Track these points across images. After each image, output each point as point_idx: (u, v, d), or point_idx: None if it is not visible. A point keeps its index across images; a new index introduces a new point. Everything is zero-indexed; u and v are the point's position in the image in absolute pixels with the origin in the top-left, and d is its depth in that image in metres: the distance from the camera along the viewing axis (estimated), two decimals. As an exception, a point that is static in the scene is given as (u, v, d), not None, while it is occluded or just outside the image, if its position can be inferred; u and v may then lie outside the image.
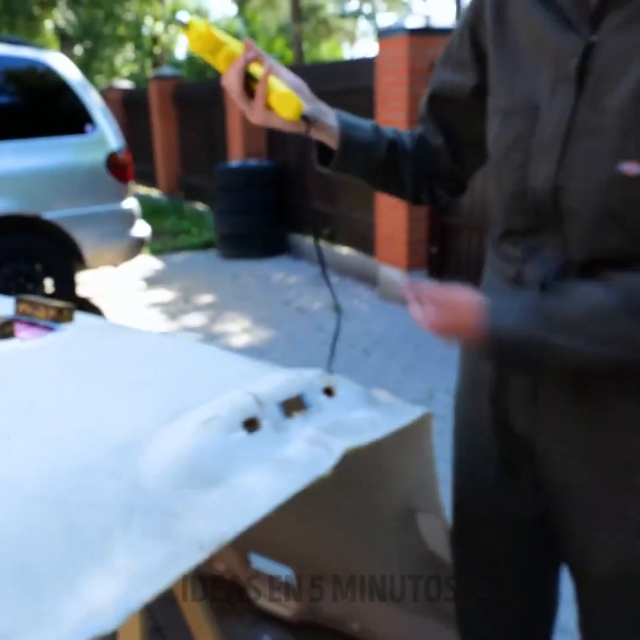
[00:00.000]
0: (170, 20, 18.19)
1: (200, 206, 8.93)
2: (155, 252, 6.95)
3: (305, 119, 0.96)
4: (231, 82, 0.96)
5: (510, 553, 1.08)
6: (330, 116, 1.00)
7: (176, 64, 20.57)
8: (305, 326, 4.63)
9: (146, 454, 0.71)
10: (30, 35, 15.87)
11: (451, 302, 0.86)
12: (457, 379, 1.13)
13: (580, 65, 0.81)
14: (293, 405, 0.81)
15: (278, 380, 0.84)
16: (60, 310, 1.29)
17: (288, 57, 19.43)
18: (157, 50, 18.47)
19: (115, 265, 4.78)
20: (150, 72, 16.89)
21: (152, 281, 5.92)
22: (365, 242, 5.73)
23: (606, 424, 0.89)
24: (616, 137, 0.78)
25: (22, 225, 4.32)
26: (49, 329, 1.27)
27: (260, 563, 1.93)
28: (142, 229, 4.85)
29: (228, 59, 0.96)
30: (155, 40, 18.14)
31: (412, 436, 1.01)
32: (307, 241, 6.55)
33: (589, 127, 0.81)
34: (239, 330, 4.60)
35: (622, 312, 0.78)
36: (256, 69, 0.95)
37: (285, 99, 0.94)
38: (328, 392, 0.88)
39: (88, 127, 4.52)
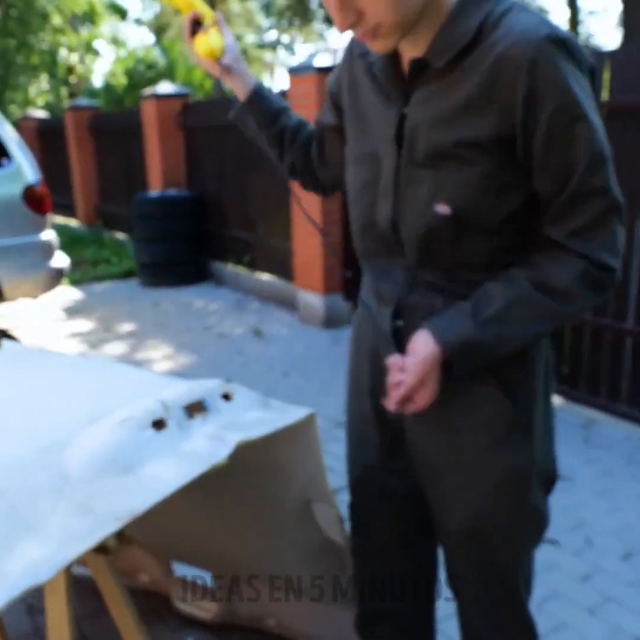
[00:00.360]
0: (87, 49, 18.09)
1: (120, 235, 8.94)
2: (75, 282, 6.94)
3: (220, 63, 1.27)
4: (184, 28, 1.30)
5: (393, 523, 1.27)
6: (248, 77, 1.31)
7: (93, 93, 20.37)
8: (226, 351, 4.77)
9: (71, 449, 0.86)
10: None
11: (411, 354, 1.01)
12: (347, 384, 1.33)
13: (397, 131, 1.05)
14: (195, 408, 0.98)
15: (182, 389, 1.00)
16: (-14, 339, 1.41)
17: (207, 86, 19.60)
18: (73, 79, 18.30)
19: (34, 296, 4.80)
20: (66, 102, 16.70)
21: (72, 311, 5.92)
22: (284, 268, 5.94)
23: (451, 407, 1.10)
24: (430, 186, 1.01)
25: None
26: (-24, 356, 1.39)
27: (182, 570, 2.06)
28: (61, 260, 4.89)
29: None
30: (70, 69, 17.98)
31: (301, 434, 1.19)
32: (228, 268, 6.70)
33: (409, 178, 1.05)
34: (160, 356, 4.69)
35: (533, 293, 0.99)
36: (206, 20, 1.29)
37: (203, 42, 1.26)
38: (226, 397, 1.05)
39: (3, 161, 4.55)
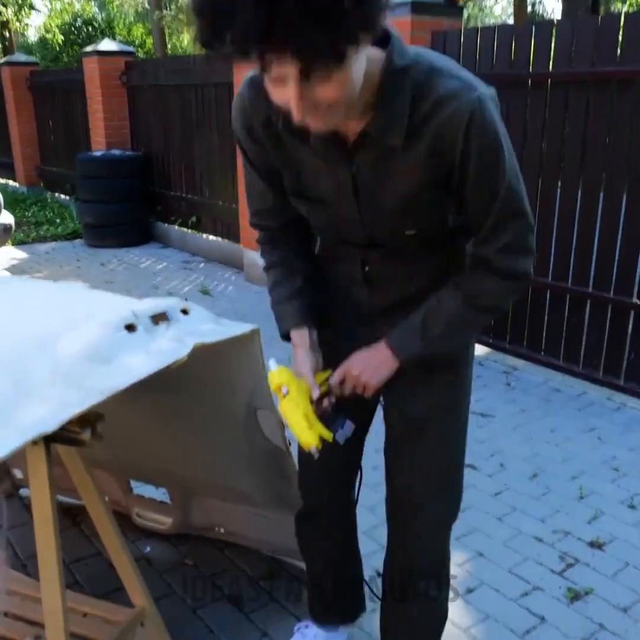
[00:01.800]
0: (21, 4, 17.45)
1: (63, 196, 8.86)
2: (18, 242, 6.91)
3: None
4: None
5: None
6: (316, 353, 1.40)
7: (28, 48, 19.61)
8: (174, 307, 4.93)
9: (61, 343, 1.06)
10: None
11: (372, 364, 1.29)
12: None
13: (353, 184, 1.22)
14: (159, 318, 1.19)
15: (148, 303, 1.22)
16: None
17: (149, 44, 19.15)
18: (6, 34, 17.65)
19: (-19, 253, 4.85)
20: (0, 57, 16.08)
21: (17, 270, 5.93)
22: (229, 229, 6.09)
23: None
24: (395, 220, 1.24)
25: None
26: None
27: (140, 489, 2.28)
28: (7, 217, 4.93)
29: (298, 391, 1.26)
30: (4, 24, 17.33)
31: (246, 347, 1.42)
32: (174, 229, 6.80)
33: (374, 217, 1.25)
34: (109, 312, 4.82)
35: (468, 312, 1.26)
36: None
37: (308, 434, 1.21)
38: (184, 311, 1.27)
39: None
